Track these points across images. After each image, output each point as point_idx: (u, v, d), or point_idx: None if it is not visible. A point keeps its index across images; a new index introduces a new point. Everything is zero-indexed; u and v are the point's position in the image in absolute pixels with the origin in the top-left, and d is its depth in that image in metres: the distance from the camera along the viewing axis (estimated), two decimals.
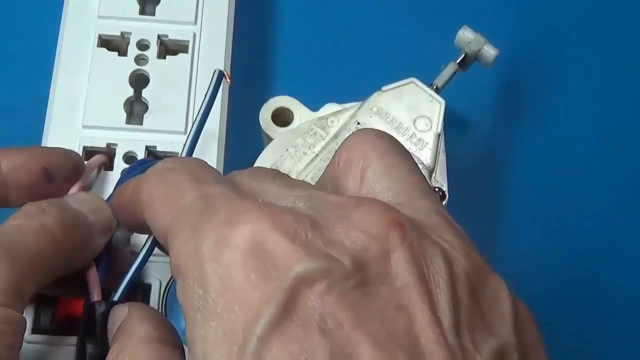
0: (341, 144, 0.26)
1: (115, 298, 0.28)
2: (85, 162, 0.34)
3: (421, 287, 0.20)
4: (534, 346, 0.22)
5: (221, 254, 0.21)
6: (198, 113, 0.31)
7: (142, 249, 0.28)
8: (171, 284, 0.33)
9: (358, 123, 0.37)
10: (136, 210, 0.25)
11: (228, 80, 0.30)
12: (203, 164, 0.25)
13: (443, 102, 0.37)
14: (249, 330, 0.19)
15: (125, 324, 0.25)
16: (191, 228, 0.22)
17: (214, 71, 0.30)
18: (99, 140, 0.36)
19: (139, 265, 0.28)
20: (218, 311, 0.20)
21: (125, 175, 0.34)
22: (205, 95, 0.30)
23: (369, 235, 0.21)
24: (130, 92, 0.37)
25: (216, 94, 0.30)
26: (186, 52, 0.38)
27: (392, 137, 0.26)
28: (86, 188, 0.33)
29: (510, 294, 0.22)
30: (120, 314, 0.26)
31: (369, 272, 0.20)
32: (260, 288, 0.20)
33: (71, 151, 0.33)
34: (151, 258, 0.32)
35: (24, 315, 0.26)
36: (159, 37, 0.38)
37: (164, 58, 0.38)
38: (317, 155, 0.37)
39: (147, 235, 0.28)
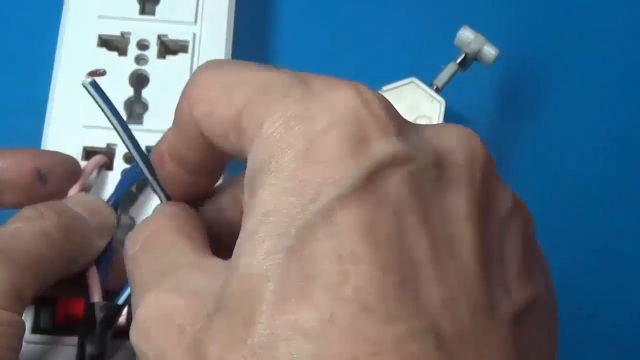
0: None
1: (121, 300, 0.28)
2: (85, 163, 0.34)
3: (479, 211, 0.21)
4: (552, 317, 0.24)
5: (317, 117, 0.20)
6: None
7: None
8: None
9: None
10: (183, 115, 0.23)
11: None
12: None
13: (443, 102, 0.37)
14: (324, 187, 0.19)
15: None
16: (281, 95, 0.21)
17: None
18: (99, 140, 0.36)
19: None
20: (292, 167, 0.20)
21: (126, 175, 0.34)
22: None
23: (458, 141, 0.21)
24: (130, 92, 0.37)
25: None
26: (186, 52, 0.38)
27: None
28: (86, 189, 0.33)
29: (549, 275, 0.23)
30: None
31: (447, 173, 0.21)
32: (348, 154, 0.20)
33: (66, 155, 0.33)
34: None
35: (24, 314, 0.26)
36: (159, 37, 0.38)
37: (164, 58, 0.38)
38: None
39: None
